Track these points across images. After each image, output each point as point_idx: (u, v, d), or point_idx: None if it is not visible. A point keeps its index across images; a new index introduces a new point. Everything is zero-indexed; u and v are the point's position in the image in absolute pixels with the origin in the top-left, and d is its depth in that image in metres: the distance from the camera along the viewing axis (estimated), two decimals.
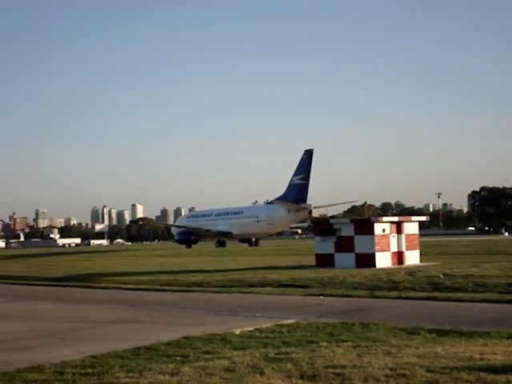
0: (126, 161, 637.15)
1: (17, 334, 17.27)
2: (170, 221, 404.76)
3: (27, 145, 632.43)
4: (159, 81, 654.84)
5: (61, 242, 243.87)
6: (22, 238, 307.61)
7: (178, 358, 12.42)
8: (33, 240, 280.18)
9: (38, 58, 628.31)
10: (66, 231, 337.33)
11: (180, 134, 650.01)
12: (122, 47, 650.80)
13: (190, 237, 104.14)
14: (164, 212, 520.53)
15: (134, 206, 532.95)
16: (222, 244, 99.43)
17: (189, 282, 30.93)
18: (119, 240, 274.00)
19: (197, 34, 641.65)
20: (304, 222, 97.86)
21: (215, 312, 20.73)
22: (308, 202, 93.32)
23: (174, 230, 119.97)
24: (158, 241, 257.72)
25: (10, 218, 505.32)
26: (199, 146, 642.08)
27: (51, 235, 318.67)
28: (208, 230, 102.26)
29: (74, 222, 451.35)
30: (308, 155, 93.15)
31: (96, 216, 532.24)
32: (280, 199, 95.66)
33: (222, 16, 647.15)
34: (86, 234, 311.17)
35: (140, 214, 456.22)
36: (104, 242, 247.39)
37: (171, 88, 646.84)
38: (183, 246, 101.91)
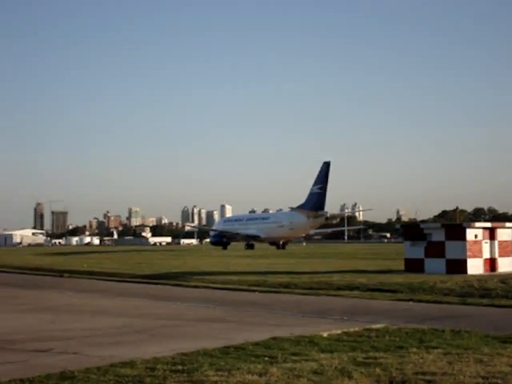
0: (215, 162, 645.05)
1: (111, 329, 17.81)
2: None
3: (122, 147, 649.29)
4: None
5: (152, 240, 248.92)
6: (116, 236, 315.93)
7: (266, 358, 12.53)
8: (125, 238, 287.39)
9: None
10: (157, 230, 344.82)
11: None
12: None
13: (222, 239, 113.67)
14: (252, 213, 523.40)
15: (223, 206, 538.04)
16: (250, 246, 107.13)
17: (276, 283, 31.05)
18: (208, 240, 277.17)
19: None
20: (322, 227, 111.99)
21: (303, 314, 20.77)
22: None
23: (211, 233, 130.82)
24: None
25: (105, 216, 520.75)
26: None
27: (143, 233, 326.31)
28: (237, 234, 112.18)
29: (165, 221, 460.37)
30: (326, 167, 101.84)
31: (186, 216, 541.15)
32: (300, 207, 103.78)
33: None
34: (177, 233, 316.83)
35: (229, 214, 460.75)
36: (194, 241, 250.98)
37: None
38: (219, 248, 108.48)
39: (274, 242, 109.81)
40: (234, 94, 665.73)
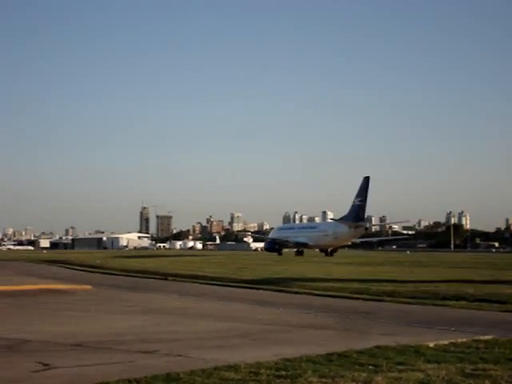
0: (317, 168, 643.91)
1: (214, 332, 18.00)
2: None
3: (225, 154, 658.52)
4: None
5: (254, 245, 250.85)
6: (218, 241, 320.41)
7: (371, 366, 12.30)
8: (227, 243, 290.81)
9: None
10: (258, 235, 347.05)
11: None
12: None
13: (274, 246, 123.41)
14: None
15: (324, 212, 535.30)
16: (300, 253, 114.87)
17: (380, 292, 30.57)
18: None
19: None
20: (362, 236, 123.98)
21: (407, 323, 20.31)
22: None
23: (266, 240, 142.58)
24: (348, 248, 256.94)
25: (208, 220, 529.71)
26: None
27: (245, 239, 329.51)
28: (287, 241, 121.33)
29: (266, 226, 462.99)
30: (366, 181, 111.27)
31: (288, 221, 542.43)
32: (344, 218, 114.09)
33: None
34: None
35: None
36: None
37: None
38: (274, 254, 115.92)
39: (322, 249, 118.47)
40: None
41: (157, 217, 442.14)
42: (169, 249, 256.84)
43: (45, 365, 12.60)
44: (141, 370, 11.76)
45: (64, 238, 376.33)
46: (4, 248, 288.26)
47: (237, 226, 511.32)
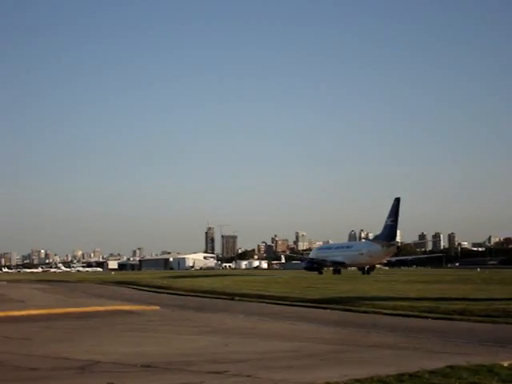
0: (381, 186, 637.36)
1: (281, 353, 17.92)
2: (429, 247, 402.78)
3: (290, 173, 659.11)
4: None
5: None
6: (283, 260, 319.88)
7: None
8: (293, 262, 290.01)
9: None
10: (296, 255, 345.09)
11: None
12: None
13: (312, 265, 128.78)
14: (422, 237, 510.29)
15: None
16: (337, 271, 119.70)
17: (450, 310, 29.92)
18: (377, 265, 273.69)
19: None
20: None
21: (479, 342, 19.81)
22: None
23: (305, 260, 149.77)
24: (416, 266, 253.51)
25: (272, 240, 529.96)
26: None
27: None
28: (324, 260, 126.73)
29: None
30: (397, 202, 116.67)
31: (353, 239, 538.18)
32: (377, 238, 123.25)
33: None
34: None
35: (398, 239, 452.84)
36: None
37: None
38: (314, 273, 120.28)
39: (360, 268, 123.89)
40: None
41: (222, 237, 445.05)
42: (234, 268, 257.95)
43: None
44: None
45: (131, 259, 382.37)
46: (73, 270, 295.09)
47: (302, 245, 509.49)
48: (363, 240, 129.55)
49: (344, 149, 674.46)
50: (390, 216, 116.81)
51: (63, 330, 25.23)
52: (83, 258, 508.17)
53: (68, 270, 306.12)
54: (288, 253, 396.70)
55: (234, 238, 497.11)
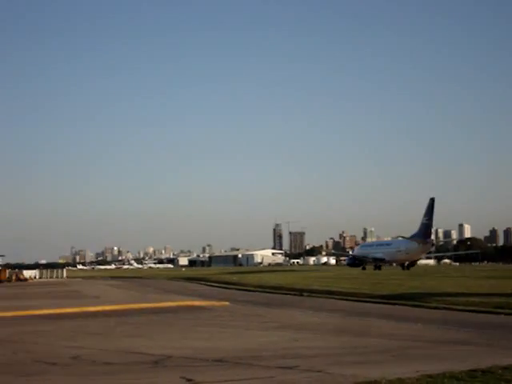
0: (453, 182, 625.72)
1: (352, 348, 17.90)
2: (500, 242, 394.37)
3: (355, 170, 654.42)
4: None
5: None
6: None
7: None
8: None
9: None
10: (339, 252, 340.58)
11: None
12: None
13: (354, 261, 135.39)
14: (493, 232, 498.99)
15: (461, 225, 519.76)
16: (377, 267, 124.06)
17: None
18: (446, 260, 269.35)
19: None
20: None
21: None
22: None
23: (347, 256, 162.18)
24: (487, 262, 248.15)
25: (340, 236, 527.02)
26: None
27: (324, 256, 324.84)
28: (364, 257, 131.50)
29: None
30: (431, 202, 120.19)
31: None
32: (414, 235, 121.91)
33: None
34: None
35: (468, 234, 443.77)
36: (431, 261, 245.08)
37: None
38: (357, 268, 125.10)
39: (400, 264, 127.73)
40: None
41: (290, 233, 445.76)
42: (302, 265, 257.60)
43: (188, 380, 13.03)
44: None
45: (201, 255, 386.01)
46: (145, 267, 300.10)
47: (370, 241, 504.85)
48: (400, 238, 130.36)
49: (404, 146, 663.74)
50: (425, 215, 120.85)
51: (136, 325, 25.79)
52: (154, 255, 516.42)
53: (140, 266, 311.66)
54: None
55: (302, 234, 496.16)
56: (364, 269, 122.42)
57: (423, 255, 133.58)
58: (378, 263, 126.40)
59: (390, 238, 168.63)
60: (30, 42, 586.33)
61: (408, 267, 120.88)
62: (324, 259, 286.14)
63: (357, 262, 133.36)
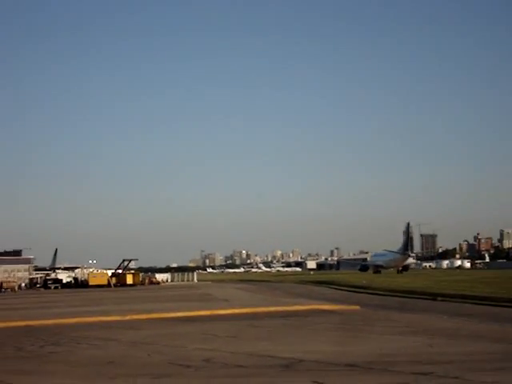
0: None
1: (491, 354, 17.12)
2: None
3: (489, 167, 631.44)
4: None
5: None
6: (487, 259, 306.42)
7: None
8: (498, 261, 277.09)
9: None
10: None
11: None
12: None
13: (364, 268, 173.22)
14: None
15: None
16: (377, 272, 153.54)
17: None
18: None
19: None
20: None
21: None
22: None
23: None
24: None
25: (475, 238, 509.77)
26: None
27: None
28: (371, 263, 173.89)
29: None
30: (407, 226, 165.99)
31: None
32: (398, 249, 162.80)
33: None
34: None
35: None
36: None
37: None
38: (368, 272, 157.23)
39: (394, 268, 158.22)
40: None
41: (421, 235, 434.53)
42: (435, 268, 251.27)
43: None
44: None
45: (329, 259, 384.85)
46: (273, 270, 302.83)
47: (507, 243, 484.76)
48: (385, 251, 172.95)
49: None
50: (404, 235, 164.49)
51: (266, 329, 25.89)
52: (282, 258, 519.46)
53: (268, 269, 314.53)
54: (492, 252, 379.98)
55: (434, 236, 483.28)
56: (376, 273, 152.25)
57: (404, 263, 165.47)
58: (378, 268, 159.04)
59: None
60: None
61: (401, 271, 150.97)
62: (458, 262, 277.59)
63: (363, 267, 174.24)
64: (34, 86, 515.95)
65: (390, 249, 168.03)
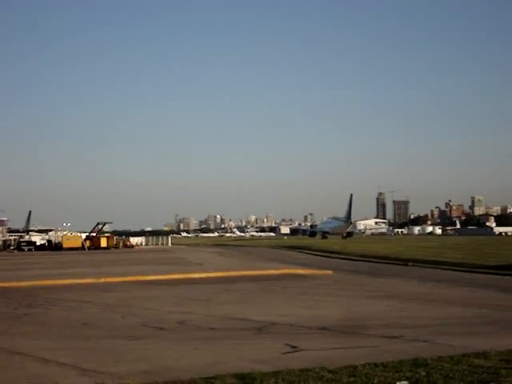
0: None
1: (459, 319, 17.45)
2: None
3: (463, 135, 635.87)
4: None
5: (497, 230, 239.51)
6: (458, 226, 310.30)
7: None
8: (468, 227, 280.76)
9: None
10: (502, 219, 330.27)
11: None
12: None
13: (311, 234, 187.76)
14: None
15: None
16: (324, 238, 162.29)
17: None
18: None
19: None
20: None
21: None
22: None
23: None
24: None
25: (446, 205, 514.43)
26: None
27: (487, 223, 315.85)
28: (319, 230, 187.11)
29: (511, 209, 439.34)
30: (350, 197, 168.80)
31: None
32: (342, 217, 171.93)
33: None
34: None
35: None
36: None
37: None
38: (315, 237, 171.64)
39: (339, 234, 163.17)
40: None
41: (393, 202, 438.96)
42: (406, 234, 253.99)
43: (293, 347, 12.98)
44: (386, 355, 11.67)
45: (303, 224, 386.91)
46: (247, 235, 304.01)
47: (478, 210, 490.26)
48: (330, 219, 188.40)
49: None
50: (348, 205, 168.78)
51: (239, 292, 26.07)
52: (256, 223, 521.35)
53: (242, 234, 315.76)
54: (463, 218, 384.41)
55: (406, 203, 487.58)
56: (322, 238, 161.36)
57: (347, 230, 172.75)
58: (325, 235, 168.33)
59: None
60: None
61: (346, 237, 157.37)
62: (429, 229, 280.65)
63: (311, 233, 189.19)
64: None
65: (338, 217, 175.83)
